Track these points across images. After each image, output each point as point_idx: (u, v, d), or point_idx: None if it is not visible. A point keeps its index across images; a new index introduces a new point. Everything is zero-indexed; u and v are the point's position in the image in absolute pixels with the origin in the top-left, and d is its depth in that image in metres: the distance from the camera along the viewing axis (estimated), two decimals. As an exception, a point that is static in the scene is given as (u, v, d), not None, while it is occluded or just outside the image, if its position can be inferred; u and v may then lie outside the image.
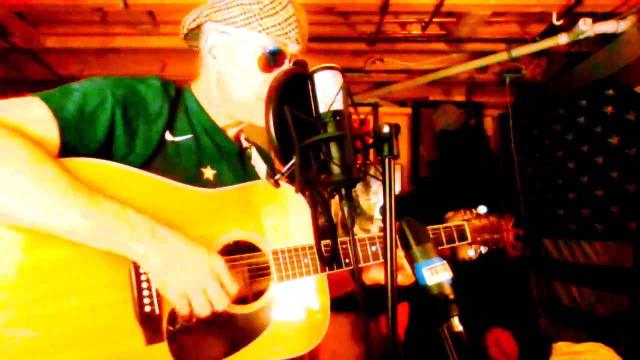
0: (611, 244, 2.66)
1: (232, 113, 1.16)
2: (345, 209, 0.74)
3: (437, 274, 0.81)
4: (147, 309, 0.90)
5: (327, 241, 1.09)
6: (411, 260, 0.84)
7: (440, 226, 1.31)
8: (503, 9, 2.54)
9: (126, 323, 0.89)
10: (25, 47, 2.81)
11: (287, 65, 1.09)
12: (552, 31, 2.61)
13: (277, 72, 1.08)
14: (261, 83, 1.09)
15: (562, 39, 2.56)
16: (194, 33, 1.17)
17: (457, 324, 0.77)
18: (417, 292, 0.81)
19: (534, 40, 2.76)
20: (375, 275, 1.27)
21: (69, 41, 2.85)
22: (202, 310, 0.91)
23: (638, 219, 2.48)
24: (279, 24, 1.05)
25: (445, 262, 0.83)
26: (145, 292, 0.90)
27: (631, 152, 2.53)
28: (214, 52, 1.12)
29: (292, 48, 1.10)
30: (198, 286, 0.89)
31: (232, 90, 1.11)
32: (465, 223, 1.34)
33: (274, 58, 1.08)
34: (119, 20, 2.73)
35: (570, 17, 2.45)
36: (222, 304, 0.92)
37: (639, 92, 2.49)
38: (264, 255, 1.07)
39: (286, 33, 1.07)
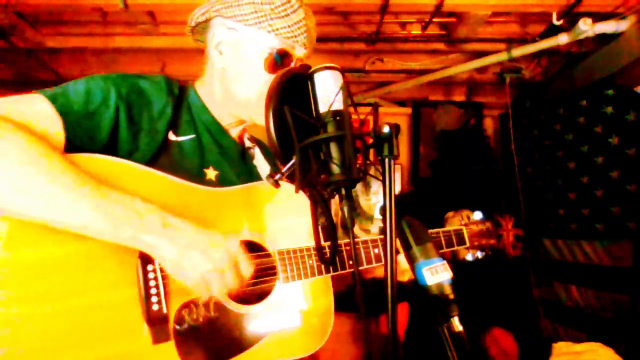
0: (611, 244, 2.66)
1: (234, 111, 1.16)
2: (345, 209, 0.74)
3: (437, 274, 0.81)
4: (155, 307, 0.90)
5: (329, 242, 1.09)
6: (411, 260, 0.84)
7: (440, 230, 1.32)
8: (503, 9, 2.54)
9: (133, 322, 0.88)
10: (25, 47, 2.81)
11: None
12: (552, 31, 2.61)
13: None
14: (265, 83, 1.08)
15: (562, 39, 2.56)
16: (200, 27, 1.17)
17: (457, 324, 0.77)
18: (417, 292, 0.81)
19: (534, 40, 2.76)
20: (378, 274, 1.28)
21: (69, 41, 2.85)
22: (221, 293, 0.92)
23: (638, 219, 2.48)
24: (289, 26, 1.05)
25: (445, 262, 0.83)
26: (153, 291, 0.90)
27: (631, 152, 2.53)
28: (221, 47, 1.12)
29: (299, 52, 1.10)
30: (217, 270, 0.89)
31: (236, 88, 1.11)
32: (464, 228, 1.35)
33: (281, 59, 1.08)
34: (119, 20, 2.73)
35: (570, 17, 2.45)
36: (239, 285, 0.93)
37: (639, 92, 2.49)
38: (269, 255, 1.07)
39: (295, 36, 1.07)
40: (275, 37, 1.06)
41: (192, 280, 0.88)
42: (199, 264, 0.87)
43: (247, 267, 0.94)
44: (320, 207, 0.79)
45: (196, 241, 0.88)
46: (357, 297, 0.75)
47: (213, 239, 0.90)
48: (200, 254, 0.88)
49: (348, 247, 1.15)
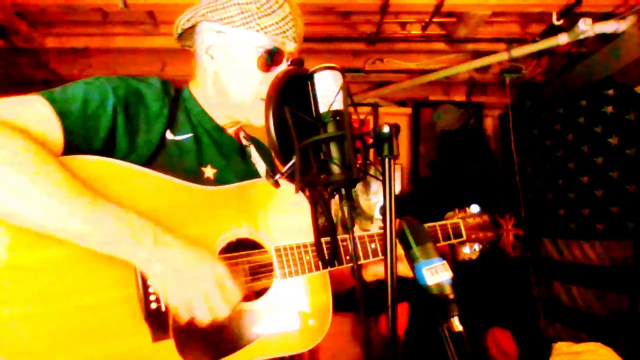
0: (611, 244, 2.66)
1: (230, 113, 1.17)
2: (345, 209, 0.74)
3: (437, 274, 0.81)
4: (153, 305, 0.90)
5: (328, 238, 1.10)
6: (411, 260, 0.84)
7: (436, 223, 1.33)
8: (503, 9, 2.54)
9: (132, 320, 0.89)
10: (25, 47, 2.81)
11: (284, 64, 1.10)
12: (552, 31, 2.61)
13: (275, 71, 1.09)
14: (259, 82, 1.09)
15: (562, 39, 2.56)
16: (187, 33, 1.17)
17: (457, 324, 0.78)
18: (417, 292, 0.81)
19: (534, 40, 2.76)
20: (375, 270, 1.28)
21: (69, 41, 2.85)
22: (204, 318, 0.90)
23: (638, 219, 2.48)
24: (277, 22, 1.06)
25: (445, 262, 0.83)
26: (151, 289, 0.91)
27: (631, 152, 2.53)
28: (211, 52, 1.12)
29: (289, 47, 1.10)
30: (201, 295, 0.89)
31: (231, 90, 1.12)
32: (460, 221, 1.35)
33: (272, 58, 1.08)
34: (119, 20, 2.73)
35: (570, 17, 2.45)
36: (224, 312, 0.91)
37: (639, 92, 2.49)
38: (267, 252, 1.08)
39: (284, 32, 1.07)
40: (265, 35, 1.06)
41: (176, 302, 0.88)
42: (184, 287, 0.88)
43: (235, 292, 0.93)
44: (320, 207, 0.79)
45: (183, 265, 0.88)
46: (357, 297, 0.75)
47: (200, 262, 0.90)
48: (185, 278, 0.88)
49: (345, 243, 1.16)
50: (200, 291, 0.89)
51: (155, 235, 0.87)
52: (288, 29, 1.07)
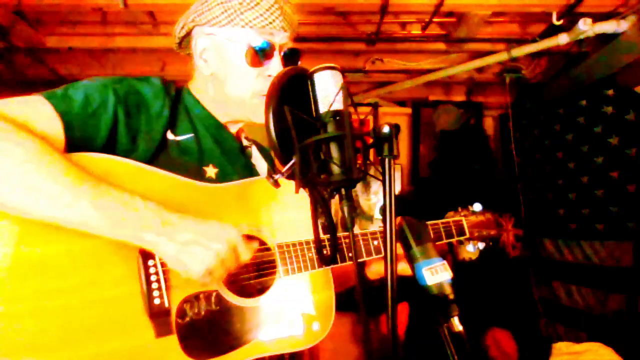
0: (611, 244, 2.66)
1: (230, 112, 1.17)
2: (345, 209, 0.74)
3: (437, 274, 0.81)
4: (157, 302, 0.91)
5: (328, 235, 1.10)
6: (411, 260, 0.84)
7: (439, 221, 1.33)
8: (503, 9, 2.54)
9: (135, 316, 0.89)
10: (25, 47, 2.81)
11: (277, 56, 1.09)
12: (552, 31, 2.61)
13: (267, 64, 1.09)
14: (255, 78, 1.09)
15: (562, 39, 2.56)
16: (185, 41, 1.18)
17: (457, 324, 0.78)
18: (417, 292, 0.81)
19: (534, 40, 2.76)
20: (378, 269, 1.28)
21: (69, 41, 2.85)
22: (221, 279, 0.94)
23: (638, 218, 2.48)
24: (261, 14, 1.05)
25: (445, 262, 0.83)
26: (154, 285, 0.91)
27: (631, 152, 2.53)
28: (205, 55, 1.13)
29: (279, 37, 1.10)
30: (217, 260, 0.90)
31: (228, 90, 1.12)
32: (463, 218, 1.36)
33: (262, 52, 1.08)
34: (119, 20, 2.73)
35: (570, 17, 2.45)
36: (235, 266, 0.95)
37: (639, 92, 2.49)
38: (269, 249, 1.08)
39: (270, 23, 1.06)
40: (251, 29, 1.06)
41: (196, 274, 0.89)
42: (200, 258, 0.88)
43: (246, 252, 0.95)
44: (320, 206, 0.79)
45: (195, 236, 0.89)
46: (357, 296, 0.75)
47: (212, 230, 0.91)
48: (200, 248, 0.88)
49: (347, 240, 1.16)
50: (215, 257, 0.89)
51: (161, 215, 0.87)
52: (274, 19, 1.06)
